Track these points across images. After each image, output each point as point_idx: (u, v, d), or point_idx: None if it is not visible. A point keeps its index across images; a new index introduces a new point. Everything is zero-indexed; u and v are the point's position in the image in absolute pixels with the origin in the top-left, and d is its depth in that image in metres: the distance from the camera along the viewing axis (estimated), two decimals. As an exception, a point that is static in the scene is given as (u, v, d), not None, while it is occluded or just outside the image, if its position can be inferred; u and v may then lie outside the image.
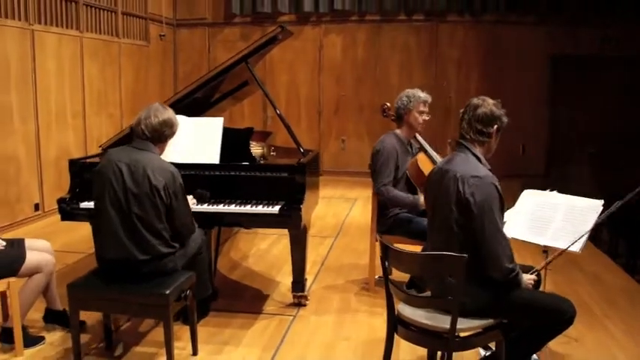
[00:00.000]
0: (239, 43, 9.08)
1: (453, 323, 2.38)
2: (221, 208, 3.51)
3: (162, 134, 2.98)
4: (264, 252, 5.14)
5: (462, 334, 2.57)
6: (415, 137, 4.10)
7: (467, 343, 2.56)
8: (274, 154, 4.38)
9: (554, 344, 3.31)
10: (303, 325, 3.59)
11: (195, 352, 3.18)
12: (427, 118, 4.02)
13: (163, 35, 8.52)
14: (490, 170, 2.60)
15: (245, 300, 4.01)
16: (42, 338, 3.30)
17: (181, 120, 3.73)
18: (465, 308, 2.49)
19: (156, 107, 3.00)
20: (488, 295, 2.53)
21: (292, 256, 3.76)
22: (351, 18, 8.81)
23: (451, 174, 2.57)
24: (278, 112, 4.08)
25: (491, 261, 2.49)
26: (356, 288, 4.23)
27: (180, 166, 3.39)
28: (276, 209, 3.44)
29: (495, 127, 2.64)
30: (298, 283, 3.83)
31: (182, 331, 3.33)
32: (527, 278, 2.65)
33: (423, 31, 8.64)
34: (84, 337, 3.28)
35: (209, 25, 9.15)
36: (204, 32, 9.16)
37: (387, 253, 2.54)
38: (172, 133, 3.04)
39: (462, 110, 2.69)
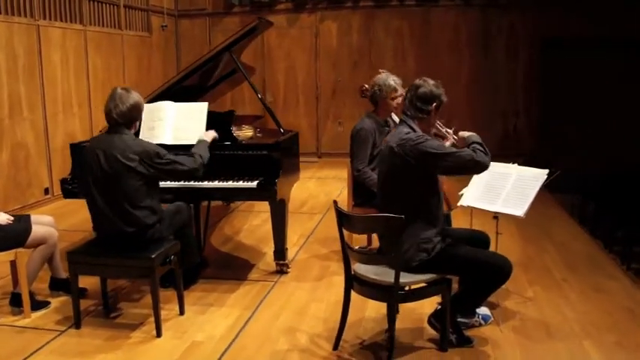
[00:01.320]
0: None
1: (396, 277, 2.72)
2: (206, 184, 3.86)
3: (132, 118, 3.31)
4: (255, 227, 5.51)
5: (414, 287, 2.91)
6: (391, 116, 4.42)
7: (411, 296, 2.90)
8: (260, 135, 4.73)
9: (509, 303, 3.65)
10: (282, 290, 3.95)
11: (182, 312, 3.56)
12: (400, 100, 4.30)
13: (165, 26, 8.87)
14: None
15: (232, 269, 4.37)
16: (47, 303, 3.69)
17: (169, 105, 4.09)
18: (409, 264, 2.83)
19: (120, 94, 3.25)
20: (429, 251, 2.85)
21: (273, 226, 4.12)
22: (346, 4, 9.07)
23: (389, 145, 2.91)
24: (259, 96, 4.45)
25: (464, 168, 2.84)
26: (337, 257, 4.56)
27: (169, 147, 3.80)
28: (254, 184, 3.79)
29: (434, 104, 2.96)
30: (279, 252, 4.19)
31: (173, 296, 3.66)
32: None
33: (415, 16, 8.88)
34: (86, 302, 3.69)
35: (209, 14, 9.48)
36: (204, 22, 9.49)
37: (340, 217, 2.88)
38: (141, 113, 3.37)
39: (406, 89, 3.01)
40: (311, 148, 9.45)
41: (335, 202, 2.95)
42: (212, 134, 3.79)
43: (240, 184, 3.83)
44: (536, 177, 3.43)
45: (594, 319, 3.42)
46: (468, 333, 3.16)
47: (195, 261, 3.98)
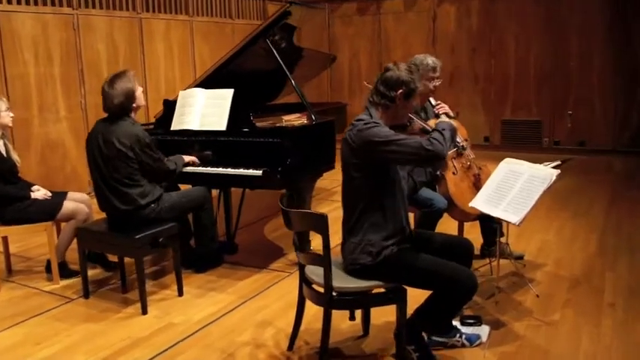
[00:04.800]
0: (355, 17, 9.37)
1: (326, 279, 2.50)
2: (221, 170, 3.91)
3: (125, 107, 3.51)
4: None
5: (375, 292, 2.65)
6: (429, 100, 4.05)
7: (352, 303, 2.66)
8: (306, 122, 4.65)
9: (520, 324, 3.16)
10: (290, 282, 3.85)
11: (180, 294, 3.66)
12: (438, 83, 3.96)
13: (284, 14, 9.06)
14: None
15: (261, 257, 4.36)
16: (78, 273, 4.02)
17: (199, 91, 4.21)
18: (351, 267, 2.60)
19: (106, 93, 3.46)
20: (374, 256, 2.58)
21: (291, 217, 4.04)
22: (466, -14, 8.50)
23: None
24: (293, 83, 4.35)
25: (414, 157, 2.51)
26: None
27: (195, 134, 4.01)
28: (259, 172, 3.74)
29: (400, 91, 2.62)
30: (299, 244, 4.09)
31: (185, 277, 3.80)
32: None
33: (541, -3, 8.01)
34: (109, 275, 4.03)
35: (328, 1, 9.51)
36: (323, 8, 9.53)
37: (284, 214, 2.73)
38: (133, 101, 3.53)
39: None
40: (427, 138, 9.06)
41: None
42: (190, 158, 3.96)
43: (250, 171, 3.80)
44: (544, 178, 2.92)
45: (614, 357, 2.81)
46: (447, 353, 2.82)
47: (214, 246, 4.05)
